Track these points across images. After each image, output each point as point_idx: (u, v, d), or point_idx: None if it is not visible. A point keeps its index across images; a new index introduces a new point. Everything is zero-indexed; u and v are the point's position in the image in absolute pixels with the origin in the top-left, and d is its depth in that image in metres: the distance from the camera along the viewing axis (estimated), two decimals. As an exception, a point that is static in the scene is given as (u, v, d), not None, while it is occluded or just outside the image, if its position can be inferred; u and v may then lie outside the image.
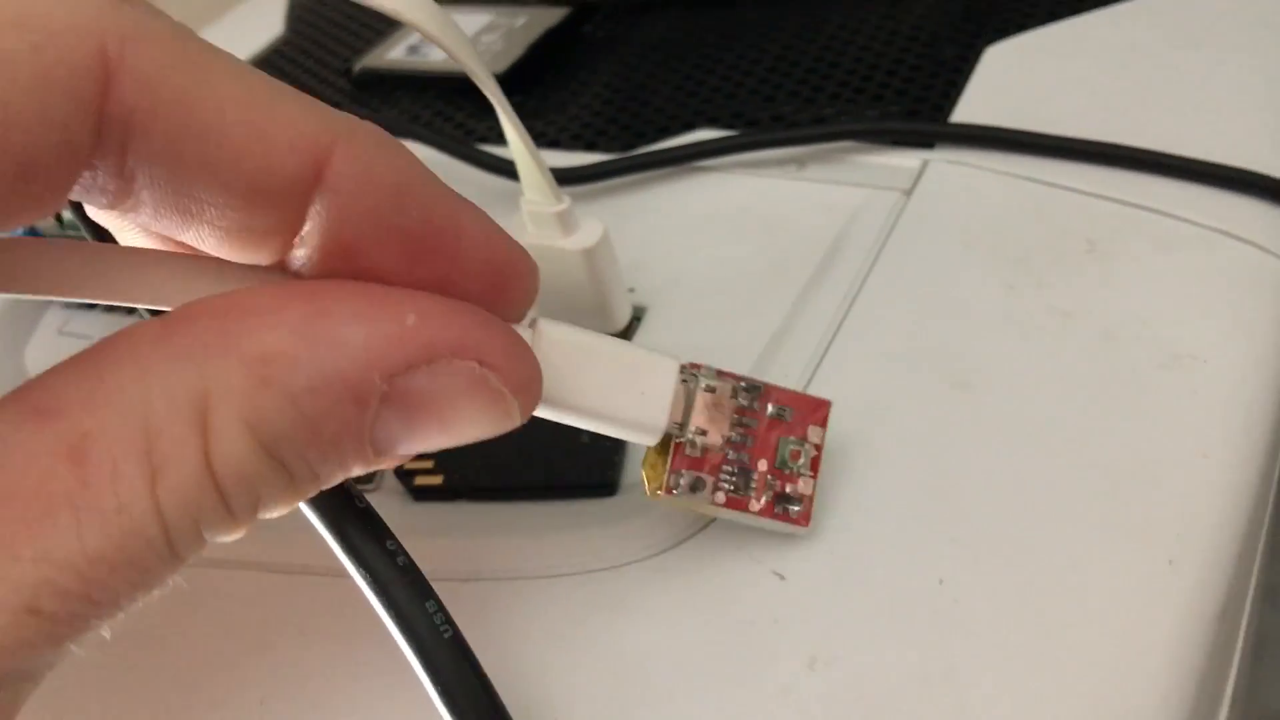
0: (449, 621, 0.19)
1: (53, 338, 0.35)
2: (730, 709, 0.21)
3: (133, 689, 0.23)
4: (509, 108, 0.24)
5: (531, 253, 0.27)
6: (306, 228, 0.17)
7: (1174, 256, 0.28)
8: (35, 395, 0.15)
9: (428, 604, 0.19)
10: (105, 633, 0.15)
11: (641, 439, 0.21)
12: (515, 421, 0.19)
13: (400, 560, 0.20)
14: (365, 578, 0.19)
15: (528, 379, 0.19)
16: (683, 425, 0.22)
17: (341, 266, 0.18)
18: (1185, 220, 0.29)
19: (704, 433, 0.22)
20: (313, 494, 0.17)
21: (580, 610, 0.23)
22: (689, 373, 0.22)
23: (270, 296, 0.17)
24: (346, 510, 0.20)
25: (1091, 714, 0.20)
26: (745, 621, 0.22)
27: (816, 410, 0.23)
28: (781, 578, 0.22)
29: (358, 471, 0.18)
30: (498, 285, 0.19)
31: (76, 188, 0.16)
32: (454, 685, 0.19)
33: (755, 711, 0.21)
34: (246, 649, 0.24)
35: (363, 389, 0.17)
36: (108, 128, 0.16)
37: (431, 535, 0.25)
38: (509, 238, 0.19)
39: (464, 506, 0.26)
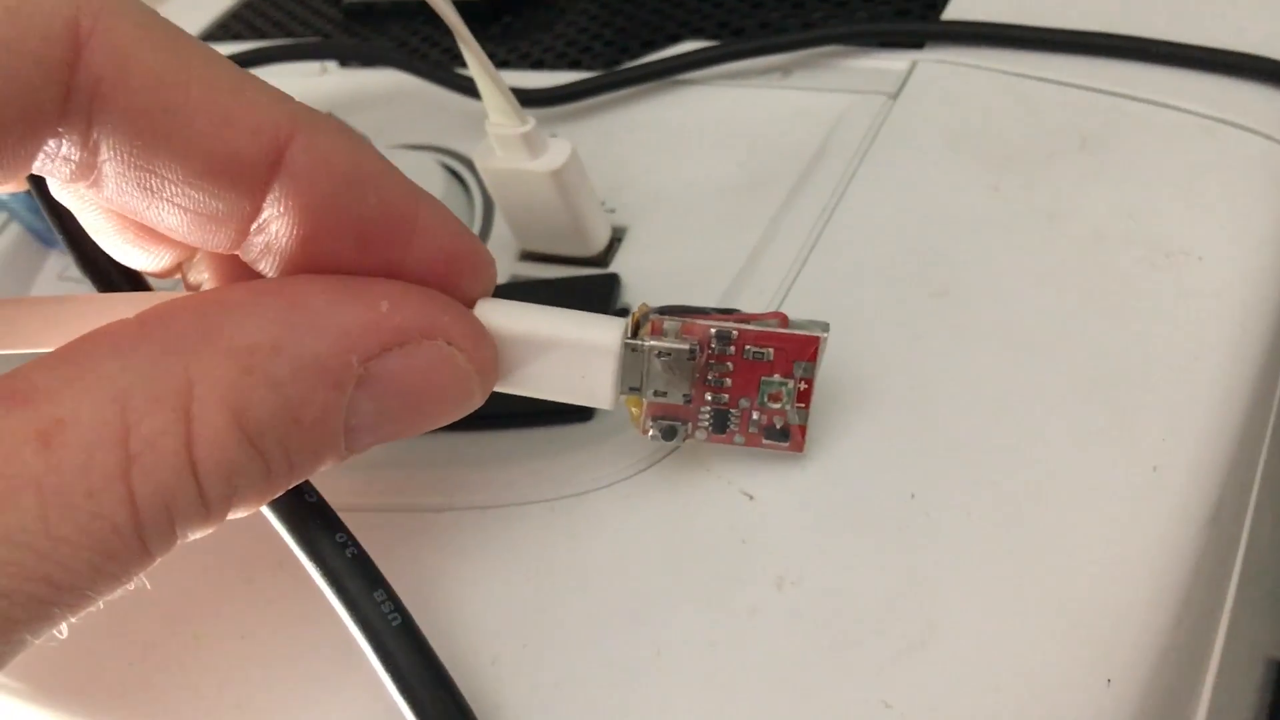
0: (398, 609, 0.20)
1: (54, 283, 0.35)
2: (698, 630, 0.20)
3: (117, 620, 0.24)
4: (463, 27, 0.24)
5: (500, 177, 0.27)
6: (265, 213, 0.18)
7: (1172, 148, 0.27)
8: (9, 382, 0.15)
9: (376, 593, 0.20)
10: (62, 631, 0.15)
11: (597, 405, 0.21)
12: (477, 400, 0.20)
13: (350, 551, 0.20)
14: (318, 569, 0.20)
15: (489, 358, 0.20)
16: (641, 389, 0.21)
17: (299, 254, 0.18)
18: (1184, 110, 0.27)
19: (663, 394, 0.21)
20: (284, 489, 0.18)
21: (549, 536, 0.23)
22: (642, 338, 0.20)
23: (245, 291, 0.18)
24: (298, 504, 0.20)
25: (1069, 626, 0.19)
26: (713, 543, 0.22)
27: (804, 347, 0.21)
28: (750, 498, 0.22)
29: (328, 463, 0.18)
30: (451, 274, 0.19)
31: (41, 157, 0.17)
32: (405, 669, 0.19)
33: (723, 632, 0.20)
34: (228, 583, 0.24)
35: (341, 373, 0.17)
36: (75, 97, 0.16)
37: (408, 467, 0.25)
38: (465, 229, 0.20)
39: (441, 436, 0.26)
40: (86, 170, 0.17)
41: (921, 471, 0.22)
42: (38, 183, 0.23)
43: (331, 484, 0.21)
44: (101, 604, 0.16)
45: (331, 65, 0.39)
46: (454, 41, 0.39)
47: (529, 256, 0.29)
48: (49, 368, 0.15)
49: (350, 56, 0.39)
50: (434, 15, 0.41)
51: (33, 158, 0.17)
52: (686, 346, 0.20)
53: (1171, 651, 0.20)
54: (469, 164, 0.33)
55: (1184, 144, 0.27)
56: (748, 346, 0.21)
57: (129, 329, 0.16)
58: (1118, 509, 0.21)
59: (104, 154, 0.17)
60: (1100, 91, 0.28)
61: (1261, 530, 0.27)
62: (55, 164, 0.17)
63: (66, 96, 0.16)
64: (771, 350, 0.21)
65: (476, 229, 0.31)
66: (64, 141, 0.16)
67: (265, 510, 0.20)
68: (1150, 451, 0.21)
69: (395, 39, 0.41)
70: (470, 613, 0.22)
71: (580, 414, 0.25)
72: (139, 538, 0.15)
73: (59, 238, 0.23)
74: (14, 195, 0.33)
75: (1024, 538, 0.21)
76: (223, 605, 0.24)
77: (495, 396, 0.24)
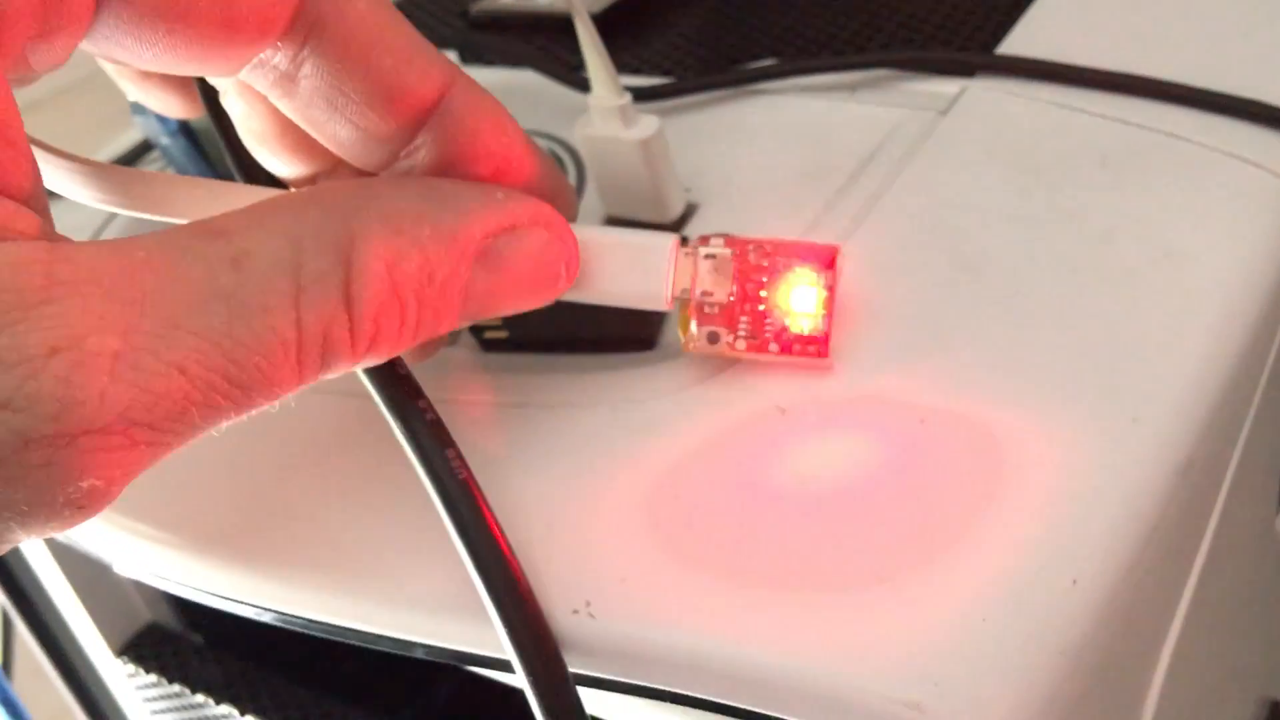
0: (464, 466, 0.24)
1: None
2: (720, 512, 0.24)
3: (235, 467, 0.28)
4: (581, 10, 0.29)
5: (594, 143, 0.32)
6: (418, 140, 0.23)
7: (1183, 173, 0.30)
8: (209, 222, 0.19)
9: (448, 451, 0.24)
10: (221, 428, 0.19)
11: (654, 307, 0.25)
12: (563, 286, 0.24)
13: (429, 416, 0.24)
14: (400, 427, 0.24)
15: (575, 251, 0.24)
16: (690, 290, 0.25)
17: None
18: (1199, 144, 0.31)
19: (710, 294, 0.25)
20: (408, 345, 0.21)
21: (609, 431, 0.26)
22: (693, 246, 0.25)
23: (390, 176, 0.23)
24: (392, 374, 0.24)
25: (1044, 534, 0.23)
26: (745, 443, 0.25)
27: (824, 256, 0.25)
28: (782, 411, 0.26)
29: (444, 328, 0.22)
30: (551, 202, 0.24)
31: (255, 61, 0.21)
32: (463, 514, 0.24)
33: (741, 516, 0.24)
34: (335, 448, 0.28)
35: (467, 244, 0.21)
36: (300, 20, 0.21)
37: (494, 372, 0.29)
38: (564, 176, 0.25)
39: (525, 356, 0.30)
40: (286, 80, 0.22)
41: (931, 402, 0.25)
42: (207, 91, 0.28)
43: (429, 380, 0.25)
44: (252, 414, 0.19)
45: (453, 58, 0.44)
46: (569, 54, 0.45)
47: (612, 222, 0.34)
48: (239, 215, 0.20)
49: (481, 50, 0.44)
50: (554, 30, 0.47)
51: (250, 59, 0.21)
52: (730, 251, 0.25)
53: (1138, 568, 0.23)
54: (571, 151, 0.37)
55: (1195, 171, 0.30)
56: (779, 257, 0.25)
57: (300, 196, 0.21)
58: (1098, 450, 0.24)
59: (306, 70, 0.21)
60: (1127, 123, 0.32)
61: (1241, 498, 0.30)
62: (263, 70, 0.22)
63: (295, 18, 0.21)
64: (798, 261, 0.25)
65: (569, 199, 0.35)
66: (279, 53, 0.21)
67: (364, 378, 0.24)
68: (1132, 407, 0.25)
69: (512, 49, 0.46)
70: (533, 482, 0.26)
71: (644, 342, 0.29)
72: (297, 357, 0.19)
73: (220, 142, 0.28)
74: (174, 141, 0.39)
75: (1013, 464, 0.24)
76: (331, 465, 0.28)
77: (570, 323, 0.28)
